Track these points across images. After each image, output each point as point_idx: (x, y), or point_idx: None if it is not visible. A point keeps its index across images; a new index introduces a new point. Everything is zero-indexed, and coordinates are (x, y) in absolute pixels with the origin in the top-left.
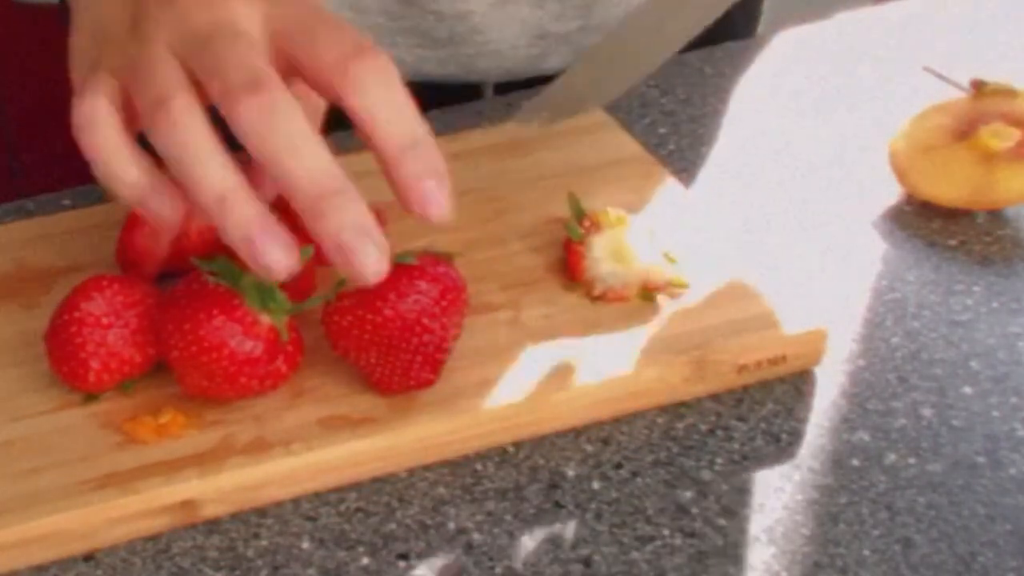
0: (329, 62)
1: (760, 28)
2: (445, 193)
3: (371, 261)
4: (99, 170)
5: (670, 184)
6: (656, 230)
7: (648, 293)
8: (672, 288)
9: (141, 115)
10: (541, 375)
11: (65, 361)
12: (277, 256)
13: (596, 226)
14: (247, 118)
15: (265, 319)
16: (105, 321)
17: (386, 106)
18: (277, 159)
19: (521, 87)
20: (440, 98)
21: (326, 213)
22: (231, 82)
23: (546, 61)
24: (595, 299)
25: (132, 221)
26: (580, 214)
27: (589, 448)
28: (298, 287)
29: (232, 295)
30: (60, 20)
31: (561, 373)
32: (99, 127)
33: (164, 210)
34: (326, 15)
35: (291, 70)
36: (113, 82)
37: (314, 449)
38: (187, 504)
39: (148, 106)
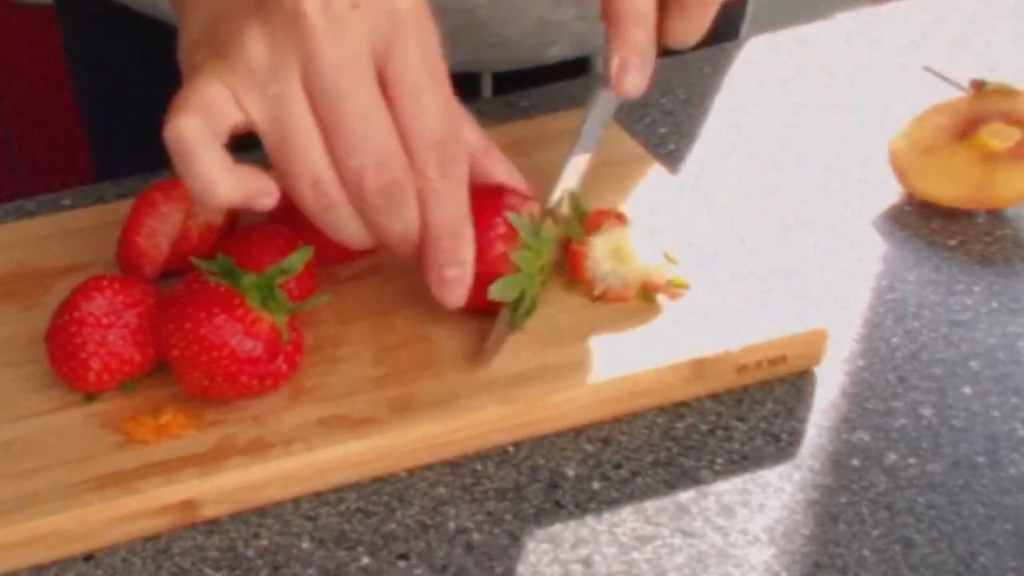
0: (419, 151)
1: (744, 31)
2: (464, 284)
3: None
4: (193, 187)
5: (670, 184)
6: (656, 230)
7: (648, 293)
8: (672, 288)
9: (287, 180)
10: (541, 375)
11: (65, 361)
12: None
13: (596, 226)
14: (373, 203)
15: (265, 319)
16: (105, 321)
17: (447, 218)
18: (387, 238)
19: (519, 77)
20: None
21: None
22: (361, 170)
23: (548, 51)
24: (595, 299)
25: (132, 221)
26: (580, 214)
27: (589, 448)
28: (298, 287)
29: (232, 294)
30: (60, 20)
31: (561, 373)
32: (196, 150)
33: (264, 204)
34: (436, 77)
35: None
36: (218, 91)
37: (314, 449)
38: (187, 504)
39: (298, 181)
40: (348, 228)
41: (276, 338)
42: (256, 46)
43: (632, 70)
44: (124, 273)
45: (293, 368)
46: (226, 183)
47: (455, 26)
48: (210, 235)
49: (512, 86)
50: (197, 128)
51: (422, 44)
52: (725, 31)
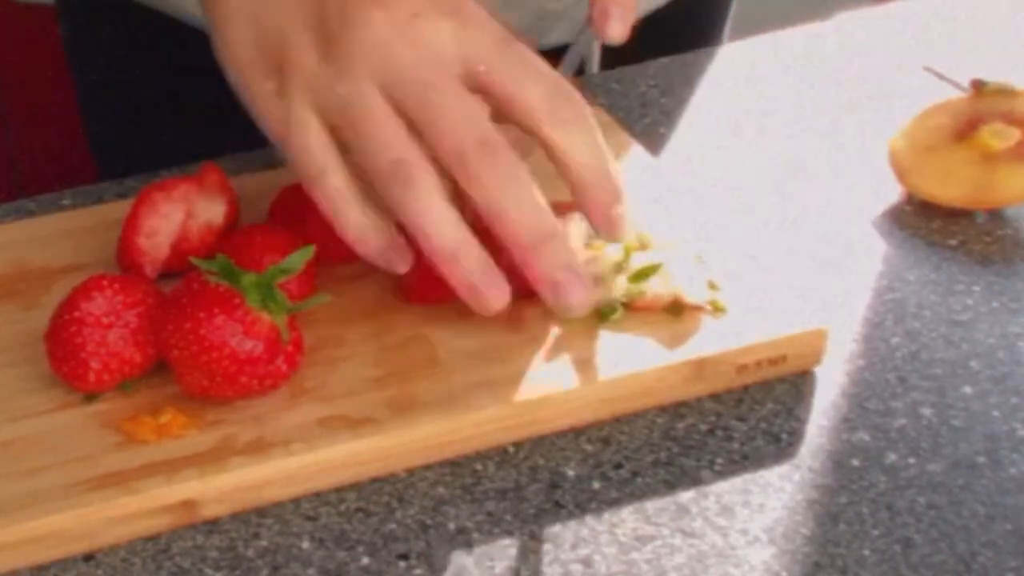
0: (535, 105)
1: (726, 35)
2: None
3: (578, 295)
4: (347, 237)
5: (670, 184)
6: (705, 256)
7: (678, 309)
8: (712, 311)
9: (372, 174)
10: (541, 375)
11: (65, 361)
12: (495, 296)
13: (643, 247)
14: (479, 182)
15: (265, 319)
16: (105, 321)
17: (586, 153)
18: (504, 214)
19: None
20: None
21: (542, 256)
22: (462, 145)
23: (546, 37)
24: (622, 304)
25: (132, 221)
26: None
27: (589, 448)
28: (298, 287)
29: (232, 294)
30: (60, 18)
31: (561, 373)
32: (345, 206)
33: (393, 258)
34: (511, 44)
35: (479, 88)
36: (316, 122)
37: (314, 449)
38: (187, 504)
39: (385, 172)
40: (434, 214)
41: (276, 338)
42: (313, 57)
43: (613, 18)
44: (124, 273)
45: (293, 368)
46: (374, 234)
47: None
48: (210, 235)
49: None
50: (341, 183)
51: (492, 32)
52: (705, 39)
